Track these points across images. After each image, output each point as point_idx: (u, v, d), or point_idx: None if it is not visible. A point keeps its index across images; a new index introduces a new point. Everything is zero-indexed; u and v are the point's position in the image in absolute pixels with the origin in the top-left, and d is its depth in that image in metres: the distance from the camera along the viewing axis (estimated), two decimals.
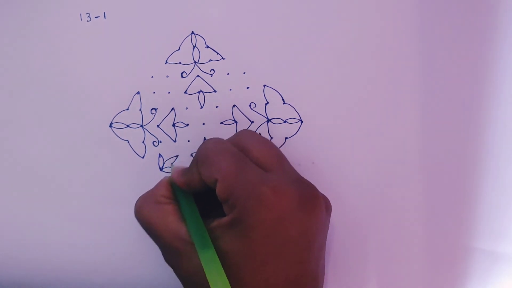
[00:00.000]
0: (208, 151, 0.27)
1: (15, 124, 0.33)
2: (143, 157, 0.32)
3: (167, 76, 0.32)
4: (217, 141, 0.28)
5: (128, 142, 0.32)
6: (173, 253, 0.27)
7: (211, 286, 0.24)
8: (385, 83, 0.32)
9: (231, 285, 0.24)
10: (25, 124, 0.33)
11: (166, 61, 0.32)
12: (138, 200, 0.28)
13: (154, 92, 0.32)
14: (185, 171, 0.28)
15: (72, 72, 0.32)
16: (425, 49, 0.32)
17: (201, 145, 0.28)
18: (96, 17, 0.32)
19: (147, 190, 0.32)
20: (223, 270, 0.24)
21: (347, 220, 0.32)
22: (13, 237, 0.33)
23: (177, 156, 0.33)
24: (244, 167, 0.26)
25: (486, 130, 0.32)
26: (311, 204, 0.26)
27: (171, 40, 0.32)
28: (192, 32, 0.32)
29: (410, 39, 0.32)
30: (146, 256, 0.32)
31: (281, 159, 0.28)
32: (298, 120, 0.31)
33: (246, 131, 0.29)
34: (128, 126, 0.32)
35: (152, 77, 0.32)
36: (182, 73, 0.30)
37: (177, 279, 0.32)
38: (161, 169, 0.32)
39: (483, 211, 0.32)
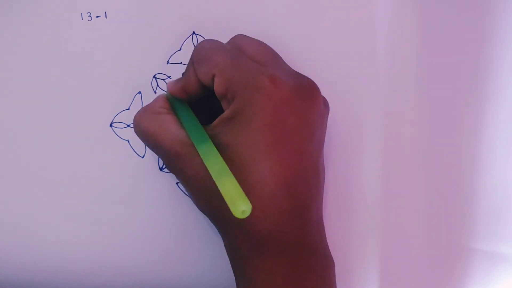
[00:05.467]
0: (204, 49, 0.27)
1: (15, 123, 0.32)
2: (143, 157, 0.32)
3: (169, 77, 0.32)
4: (211, 40, 0.28)
5: (128, 141, 0.32)
6: (175, 158, 0.27)
7: (212, 175, 0.24)
8: (385, 84, 0.32)
9: (234, 176, 0.24)
10: (25, 123, 0.32)
11: (168, 61, 0.32)
12: (136, 114, 0.28)
13: (155, 92, 0.32)
14: (180, 78, 0.28)
15: (73, 71, 0.32)
16: (425, 49, 0.32)
17: (196, 46, 0.28)
18: (97, 17, 0.32)
19: (146, 190, 0.32)
20: (222, 159, 0.24)
21: (348, 221, 0.32)
22: (12, 237, 0.33)
23: None
24: (240, 60, 0.26)
25: (486, 131, 0.32)
26: (309, 94, 0.26)
27: (172, 40, 0.32)
28: (194, 33, 0.32)
29: (409, 40, 0.32)
30: (146, 255, 0.32)
31: (276, 57, 0.28)
32: None
33: (240, 35, 0.29)
34: (128, 125, 0.32)
35: (154, 77, 0.32)
36: (183, 73, 0.30)
37: (178, 279, 0.32)
38: (161, 169, 0.32)
39: (483, 212, 0.32)
